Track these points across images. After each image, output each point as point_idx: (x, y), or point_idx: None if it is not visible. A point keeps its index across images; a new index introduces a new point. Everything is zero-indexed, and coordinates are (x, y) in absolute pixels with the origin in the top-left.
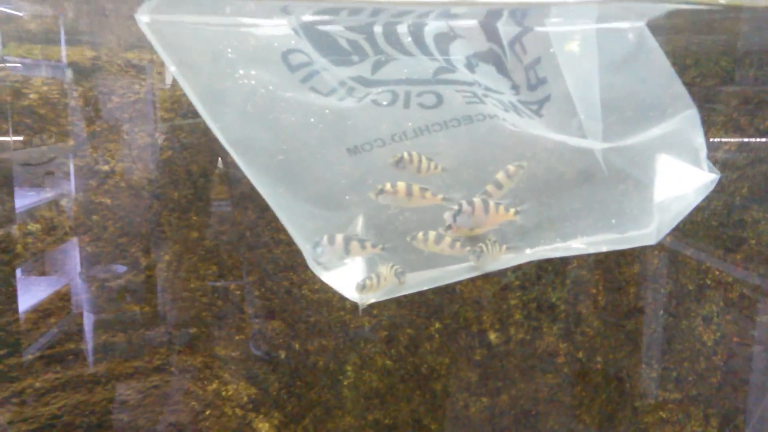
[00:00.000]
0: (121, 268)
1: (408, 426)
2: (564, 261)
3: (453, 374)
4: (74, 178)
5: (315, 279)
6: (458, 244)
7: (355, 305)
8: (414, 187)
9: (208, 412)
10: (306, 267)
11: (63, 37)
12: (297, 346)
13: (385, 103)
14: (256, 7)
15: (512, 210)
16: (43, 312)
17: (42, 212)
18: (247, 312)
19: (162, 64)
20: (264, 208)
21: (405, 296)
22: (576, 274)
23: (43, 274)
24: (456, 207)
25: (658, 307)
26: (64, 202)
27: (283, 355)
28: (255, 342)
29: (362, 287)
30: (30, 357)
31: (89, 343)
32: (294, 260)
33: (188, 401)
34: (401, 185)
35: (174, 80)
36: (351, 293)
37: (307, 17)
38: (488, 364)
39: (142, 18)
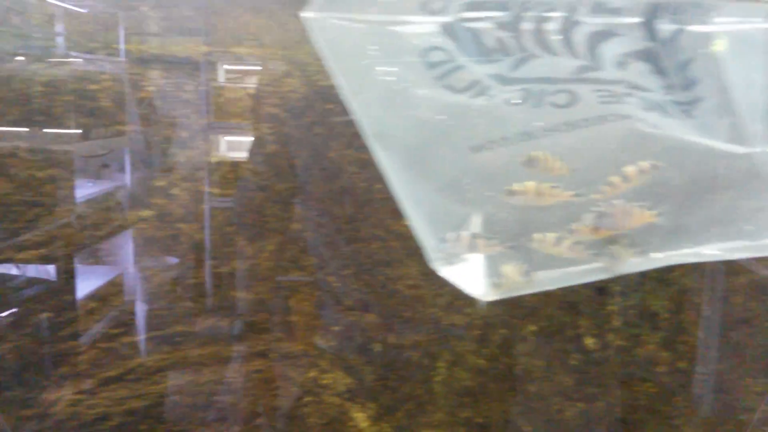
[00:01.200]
0: (172, 260)
1: (500, 426)
2: (668, 268)
3: (547, 377)
4: (186, 168)
5: (410, 275)
6: (579, 246)
7: (446, 303)
8: (543, 185)
9: (308, 399)
10: (401, 263)
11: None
12: (391, 339)
13: (516, 101)
14: (402, 4)
15: (652, 212)
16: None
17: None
18: (343, 304)
19: (268, 60)
20: (362, 203)
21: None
22: (680, 281)
23: (161, 259)
24: (598, 208)
25: (766, 319)
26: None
27: (377, 348)
28: (351, 334)
29: (496, 286)
30: (142, 337)
31: (196, 326)
32: (390, 256)
33: (288, 387)
34: (530, 184)
35: (280, 76)
36: (473, 289)
37: (453, 14)
38: (584, 369)
39: (308, 15)
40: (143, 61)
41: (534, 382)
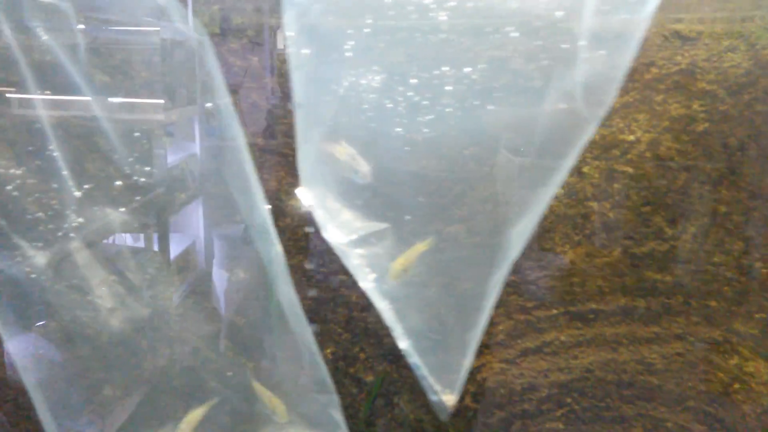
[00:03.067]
0: None
1: None
2: None
3: None
4: (599, 146)
5: None
6: None
7: None
8: None
9: (736, 386)
10: None
11: None
12: None
13: None
14: None
15: None
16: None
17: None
18: None
19: (709, 35)
20: None
21: None
22: None
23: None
24: None
25: None
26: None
27: None
28: None
29: None
30: (555, 312)
31: (609, 305)
32: None
33: (714, 372)
34: None
35: (721, 50)
36: None
37: None
38: None
39: None
40: None
41: None
